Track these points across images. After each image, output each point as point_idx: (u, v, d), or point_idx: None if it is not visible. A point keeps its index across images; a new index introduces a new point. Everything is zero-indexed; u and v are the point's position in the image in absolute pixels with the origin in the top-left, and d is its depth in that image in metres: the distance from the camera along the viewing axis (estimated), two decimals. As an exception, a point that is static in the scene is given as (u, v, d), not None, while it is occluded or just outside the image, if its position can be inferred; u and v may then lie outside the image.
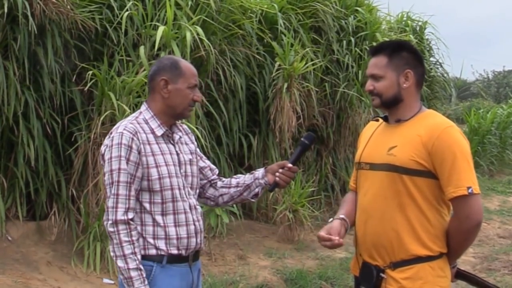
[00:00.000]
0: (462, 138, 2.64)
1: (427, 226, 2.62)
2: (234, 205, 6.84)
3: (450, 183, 2.55)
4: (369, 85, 2.76)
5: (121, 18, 6.26)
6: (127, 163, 2.66)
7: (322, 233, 2.75)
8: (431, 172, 2.59)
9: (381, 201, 2.68)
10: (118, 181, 2.66)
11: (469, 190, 2.53)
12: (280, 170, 2.93)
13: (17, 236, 5.86)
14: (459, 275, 2.91)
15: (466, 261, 7.36)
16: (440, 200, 2.63)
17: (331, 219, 2.89)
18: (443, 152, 2.56)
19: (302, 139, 3.03)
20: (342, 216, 2.86)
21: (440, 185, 2.60)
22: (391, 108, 2.76)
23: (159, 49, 6.23)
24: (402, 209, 2.63)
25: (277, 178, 2.93)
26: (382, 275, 2.67)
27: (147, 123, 2.79)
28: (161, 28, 6.25)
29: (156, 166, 2.71)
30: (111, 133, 2.75)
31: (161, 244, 2.72)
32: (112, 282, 5.63)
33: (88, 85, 5.92)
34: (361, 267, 2.79)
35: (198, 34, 6.46)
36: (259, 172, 3.02)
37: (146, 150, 2.71)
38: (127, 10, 6.31)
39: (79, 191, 6.10)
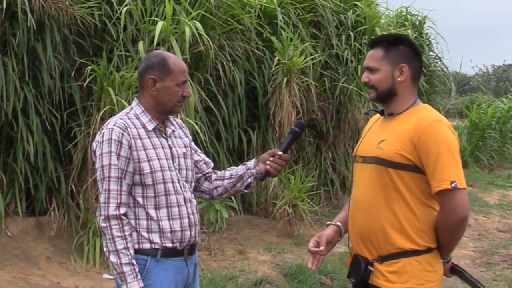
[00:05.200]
0: (449, 132, 2.62)
1: (413, 220, 2.62)
2: (234, 200, 6.84)
3: (434, 177, 2.55)
4: (365, 77, 2.78)
5: (120, 14, 6.26)
6: (117, 158, 2.68)
7: (311, 245, 2.83)
8: (417, 166, 2.59)
9: (369, 194, 2.70)
10: (109, 177, 2.67)
11: (453, 185, 2.52)
12: (271, 159, 2.93)
13: (16, 231, 5.87)
14: (454, 270, 2.90)
15: (466, 255, 7.38)
16: (428, 194, 2.62)
17: (328, 223, 2.93)
18: (428, 146, 2.55)
19: (292, 127, 3.03)
20: (338, 223, 2.89)
21: (427, 180, 2.59)
22: (386, 101, 2.77)
23: (158, 44, 6.22)
24: (388, 202, 2.64)
25: (267, 167, 2.93)
26: (370, 268, 2.68)
27: (138, 118, 2.79)
28: (160, 23, 6.25)
29: (148, 160, 2.72)
30: (102, 129, 2.77)
31: (155, 237, 2.73)
32: (112, 277, 5.62)
33: (87, 80, 5.93)
34: (351, 259, 2.81)
35: (197, 29, 6.46)
36: (251, 162, 3.03)
37: (137, 144, 2.72)
38: (126, 6, 6.30)
39: (78, 187, 6.10)
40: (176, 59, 2.85)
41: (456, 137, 2.67)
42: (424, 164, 2.57)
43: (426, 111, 2.71)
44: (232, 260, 6.54)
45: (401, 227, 2.62)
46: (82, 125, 6.15)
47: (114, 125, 2.72)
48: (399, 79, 2.71)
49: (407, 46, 2.75)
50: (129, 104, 5.60)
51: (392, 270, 2.63)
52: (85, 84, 6.00)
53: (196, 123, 6.24)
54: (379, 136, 2.73)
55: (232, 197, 6.61)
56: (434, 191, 2.56)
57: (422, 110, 2.72)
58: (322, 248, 2.78)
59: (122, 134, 2.69)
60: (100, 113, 5.80)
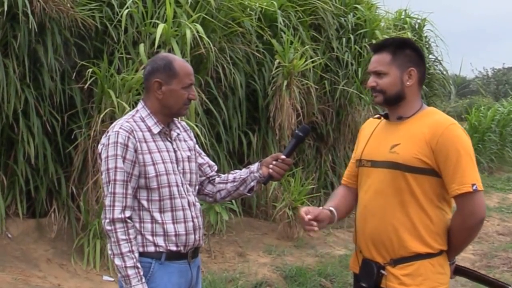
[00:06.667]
0: (465, 135, 2.65)
1: (428, 224, 2.63)
2: (234, 203, 6.85)
3: (454, 180, 2.56)
4: (372, 81, 2.76)
5: (121, 16, 6.26)
6: (123, 161, 2.68)
7: (303, 213, 2.73)
8: (434, 170, 2.60)
9: (382, 198, 2.69)
10: (115, 180, 2.67)
11: (474, 187, 2.54)
12: (274, 162, 2.94)
13: (17, 233, 5.87)
14: (458, 271, 2.92)
15: (466, 258, 7.38)
16: (441, 197, 2.64)
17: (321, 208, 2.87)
18: (447, 150, 2.56)
19: (296, 131, 3.03)
20: (331, 208, 2.85)
21: (441, 183, 2.60)
22: (393, 105, 2.76)
23: (158, 46, 6.23)
24: (403, 206, 2.64)
25: (270, 170, 2.94)
26: (383, 272, 2.67)
27: (143, 121, 2.79)
28: (161, 26, 6.26)
29: (153, 164, 2.72)
30: (107, 132, 2.77)
31: (160, 240, 2.73)
32: (112, 279, 5.64)
33: (88, 82, 5.93)
34: (361, 264, 2.79)
35: (197, 32, 6.47)
36: (254, 166, 3.04)
37: (143, 148, 2.72)
38: (127, 8, 6.31)
39: (79, 189, 6.11)
40: (182, 62, 2.85)
41: (470, 140, 2.69)
42: (442, 168, 2.58)
43: (437, 115, 2.72)
44: (232, 262, 6.54)
45: (415, 231, 2.62)
46: (83, 127, 6.15)
47: (120, 128, 2.72)
48: (408, 83, 2.71)
49: (412, 49, 2.76)
50: (130, 107, 5.68)
51: (406, 273, 2.63)
52: (86, 86, 5.99)
53: (197, 126, 6.24)
54: (389, 140, 2.72)
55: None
56: (453, 194, 2.58)
57: (432, 113, 2.73)
58: (309, 217, 2.70)
59: (128, 137, 2.69)
60: (101, 115, 5.81)
